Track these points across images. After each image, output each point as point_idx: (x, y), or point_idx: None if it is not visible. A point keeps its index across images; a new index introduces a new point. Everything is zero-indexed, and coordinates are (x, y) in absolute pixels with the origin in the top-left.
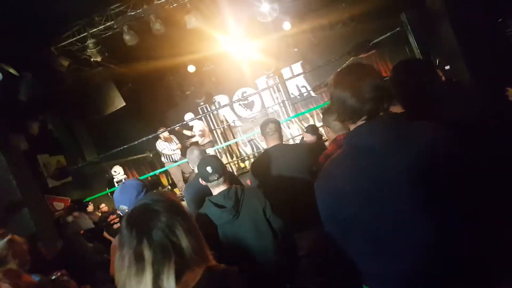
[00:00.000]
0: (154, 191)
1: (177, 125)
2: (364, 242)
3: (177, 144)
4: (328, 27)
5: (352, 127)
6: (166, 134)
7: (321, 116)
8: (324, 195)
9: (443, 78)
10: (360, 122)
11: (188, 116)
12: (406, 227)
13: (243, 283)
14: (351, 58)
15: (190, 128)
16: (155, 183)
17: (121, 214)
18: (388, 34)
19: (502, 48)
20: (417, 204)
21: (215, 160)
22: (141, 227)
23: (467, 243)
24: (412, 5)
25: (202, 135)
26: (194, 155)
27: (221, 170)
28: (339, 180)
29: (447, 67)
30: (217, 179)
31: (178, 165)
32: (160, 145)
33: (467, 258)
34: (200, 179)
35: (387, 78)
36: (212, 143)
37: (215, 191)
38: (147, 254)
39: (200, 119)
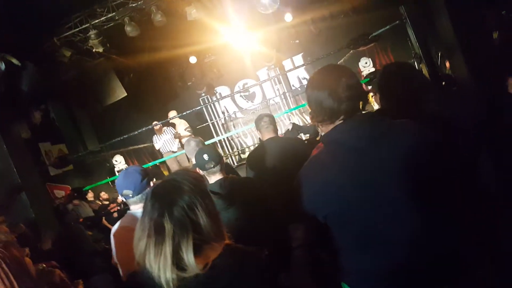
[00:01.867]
0: (179, 171)
1: (159, 122)
2: (345, 238)
3: (170, 133)
4: (329, 18)
5: (330, 127)
6: (157, 126)
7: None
8: (304, 193)
9: (440, 74)
10: (338, 122)
11: (172, 114)
12: (388, 224)
13: (261, 260)
14: (351, 51)
15: (173, 126)
16: (157, 173)
17: (124, 199)
18: (387, 27)
19: (502, 41)
20: (397, 201)
21: (211, 149)
22: (164, 201)
23: (448, 241)
24: None
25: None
26: (191, 146)
27: (218, 159)
28: (318, 179)
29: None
30: (213, 166)
31: (175, 156)
32: (154, 140)
33: (449, 255)
34: (197, 169)
35: (374, 79)
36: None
37: (212, 179)
38: (167, 227)
39: (182, 117)
